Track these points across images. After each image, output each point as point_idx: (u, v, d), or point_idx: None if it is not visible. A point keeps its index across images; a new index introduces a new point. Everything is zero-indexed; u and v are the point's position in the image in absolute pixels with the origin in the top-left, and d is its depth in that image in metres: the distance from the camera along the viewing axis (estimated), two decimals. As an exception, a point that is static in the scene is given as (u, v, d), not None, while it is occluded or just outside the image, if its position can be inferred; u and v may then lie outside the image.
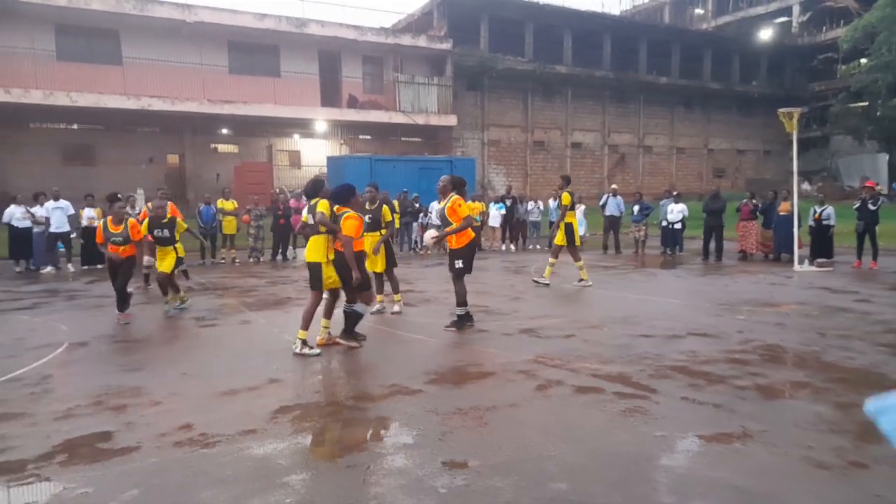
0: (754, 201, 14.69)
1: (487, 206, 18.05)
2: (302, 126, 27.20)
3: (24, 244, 13.37)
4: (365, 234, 6.97)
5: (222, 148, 27.08)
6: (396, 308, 8.41)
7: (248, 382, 5.28)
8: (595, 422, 4.36)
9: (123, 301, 7.94)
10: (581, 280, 10.75)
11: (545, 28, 32.45)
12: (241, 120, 25.33)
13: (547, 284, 10.65)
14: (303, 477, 3.55)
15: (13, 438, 4.11)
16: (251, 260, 15.30)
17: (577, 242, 10.88)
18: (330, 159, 25.85)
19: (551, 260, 10.91)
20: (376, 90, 28.65)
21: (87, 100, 21.77)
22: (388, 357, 6.27)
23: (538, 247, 18.16)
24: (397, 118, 27.35)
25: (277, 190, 21.08)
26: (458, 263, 7.27)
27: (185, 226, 9.03)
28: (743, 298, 9.29)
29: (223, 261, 14.76)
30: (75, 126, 24.42)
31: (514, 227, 18.15)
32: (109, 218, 8.02)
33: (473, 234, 7.48)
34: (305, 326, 6.29)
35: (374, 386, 5.17)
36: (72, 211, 13.69)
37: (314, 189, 6.66)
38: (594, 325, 7.48)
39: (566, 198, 10.55)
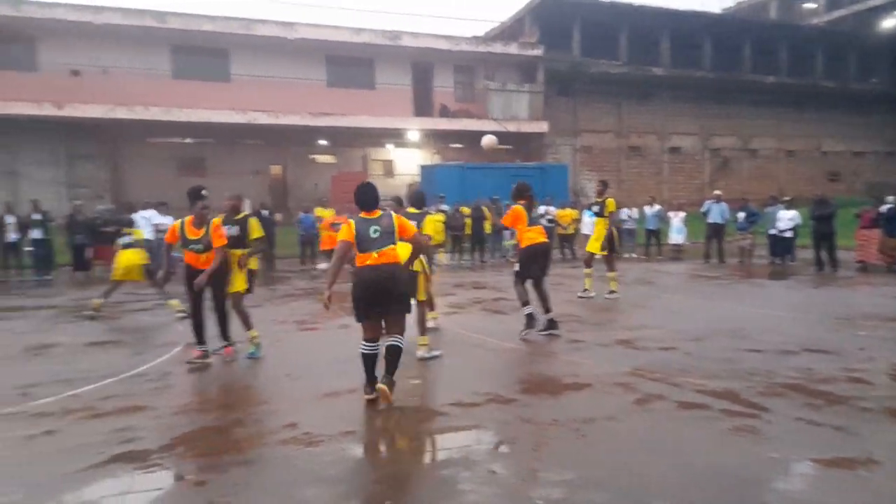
0: (890, 206, 13.25)
1: (580, 213, 17.72)
2: (395, 136, 27.85)
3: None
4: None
5: (320, 158, 28.17)
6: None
7: (348, 385, 5.43)
8: (700, 440, 4.16)
9: (223, 329, 6.50)
10: (612, 292, 10.22)
11: (640, 30, 31.56)
12: (338, 131, 26.26)
13: (591, 296, 10.14)
14: (401, 479, 3.62)
15: (139, 429, 4.44)
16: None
17: (605, 252, 10.15)
18: (422, 168, 26.31)
19: (612, 274, 10.32)
20: (467, 98, 28.89)
21: (199, 115, 23.30)
22: (482, 365, 6.27)
23: (633, 255, 17.63)
24: (488, 126, 27.37)
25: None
26: (516, 266, 7.61)
27: (261, 233, 7.06)
28: (864, 312, 8.59)
29: (321, 267, 15.32)
30: (189, 140, 26.18)
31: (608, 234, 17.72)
32: (189, 219, 6.35)
33: (538, 240, 7.47)
34: (423, 332, 6.46)
35: (468, 393, 5.18)
36: (157, 220, 14.07)
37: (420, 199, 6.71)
38: (697, 338, 7.16)
39: (612, 203, 10.12)
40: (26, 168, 22.84)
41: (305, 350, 7.10)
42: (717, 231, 15.62)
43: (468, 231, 16.31)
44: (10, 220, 13.94)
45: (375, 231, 4.88)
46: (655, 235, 17.59)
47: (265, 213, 15.35)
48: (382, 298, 4.86)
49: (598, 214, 10.29)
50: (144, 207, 14.08)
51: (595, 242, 10.28)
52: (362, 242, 4.87)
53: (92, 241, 13.89)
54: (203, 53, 25.17)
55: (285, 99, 24.62)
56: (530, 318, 7.29)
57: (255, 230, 6.85)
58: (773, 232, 15.03)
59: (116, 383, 5.65)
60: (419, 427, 4.49)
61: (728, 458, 3.83)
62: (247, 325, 6.65)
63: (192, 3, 38.15)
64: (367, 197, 5.08)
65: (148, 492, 3.60)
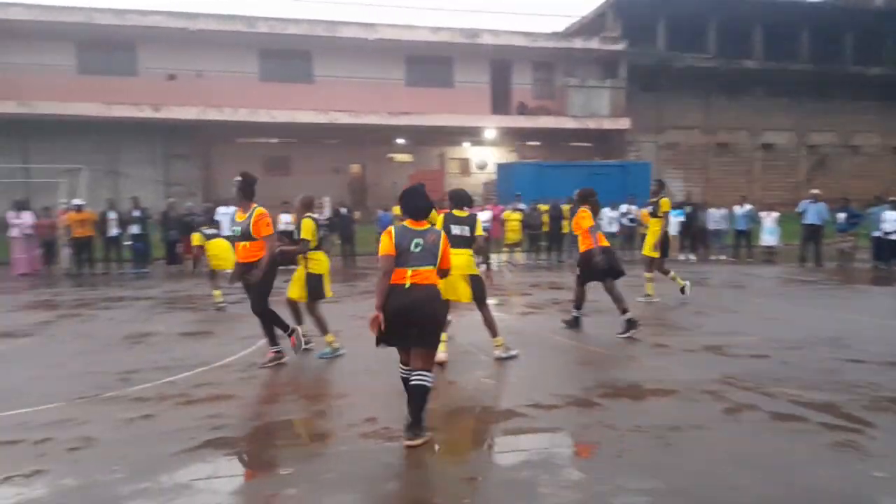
0: None
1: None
2: (472, 134, 27.87)
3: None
4: None
5: (398, 157, 28.58)
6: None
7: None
8: (797, 454, 3.91)
9: (269, 331, 6.20)
10: (647, 295, 9.76)
11: (731, 22, 30.12)
12: (416, 130, 26.55)
13: (654, 301, 9.71)
14: (480, 478, 3.59)
15: (228, 417, 4.63)
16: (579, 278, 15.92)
17: (657, 254, 9.75)
18: (499, 166, 26.21)
19: (647, 275, 9.92)
20: (546, 95, 28.53)
21: (283, 116, 24.16)
22: (563, 367, 6.16)
23: (722, 257, 16.88)
24: (567, 123, 27.01)
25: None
26: (577, 270, 7.98)
27: (309, 236, 6.46)
28: (983, 323, 7.85)
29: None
30: (274, 140, 27.20)
31: (695, 235, 17.03)
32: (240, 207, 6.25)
33: (594, 244, 7.61)
34: (495, 333, 6.39)
35: (547, 395, 5.09)
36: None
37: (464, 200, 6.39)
38: (792, 346, 6.74)
39: (667, 203, 9.65)
40: (126, 167, 24.40)
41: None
42: (813, 233, 14.71)
43: (545, 230, 16.12)
44: (112, 216, 14.92)
45: (417, 245, 4.15)
46: (746, 237, 16.77)
47: (344, 211, 15.72)
48: (410, 327, 4.11)
49: (653, 215, 9.90)
50: (226, 204, 14.79)
51: (649, 244, 9.89)
52: (400, 255, 4.15)
53: (181, 236, 14.73)
54: (288, 56, 26.06)
55: (365, 99, 25.13)
56: (575, 320, 7.81)
57: (303, 231, 6.47)
58: (877, 234, 14.01)
59: (207, 372, 5.92)
60: (497, 427, 4.45)
61: (827, 475, 3.58)
62: (322, 329, 6.53)
63: (279, 8, 39.55)
64: (416, 203, 4.32)
65: (234, 477, 3.74)
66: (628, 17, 28.56)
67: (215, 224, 13.27)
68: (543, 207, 16.08)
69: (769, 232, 16.41)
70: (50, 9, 22.60)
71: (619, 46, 27.67)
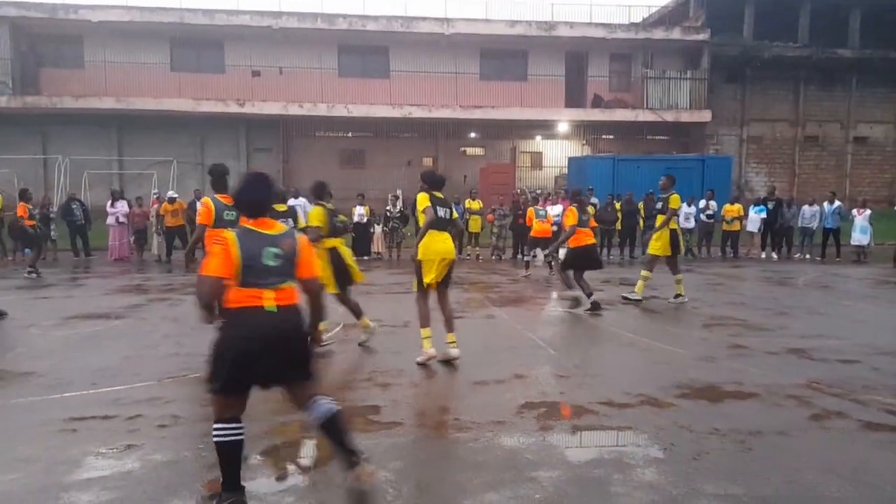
0: None
1: (746, 210, 16.41)
2: (545, 127, 27.53)
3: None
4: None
5: (470, 151, 28.61)
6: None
7: (496, 375, 5.48)
8: (888, 466, 3.68)
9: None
10: (678, 296, 9.27)
11: (825, 8, 28.35)
12: (489, 123, 26.48)
13: (639, 301, 9.26)
14: (550, 475, 3.58)
15: (304, 402, 4.80)
16: (493, 257, 15.93)
17: (682, 252, 9.83)
18: (571, 160, 25.81)
19: (678, 277, 9.40)
20: (622, 88, 27.82)
21: (360, 111, 24.67)
22: (635, 365, 6.03)
23: (807, 256, 16.02)
24: (644, 116, 26.25)
25: (518, 191, 21.67)
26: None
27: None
28: None
29: (468, 257, 15.59)
30: (350, 134, 27.80)
31: (778, 232, 16.22)
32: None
33: (584, 241, 8.66)
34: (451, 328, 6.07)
35: (619, 393, 5.00)
36: (309, 207, 15.07)
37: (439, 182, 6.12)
38: (885, 352, 6.33)
39: (676, 200, 9.18)
40: (212, 160, 25.29)
41: (454, 338, 7.24)
42: (912, 232, 13.71)
43: (618, 226, 15.76)
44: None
45: (277, 256, 3.07)
46: (835, 235, 15.83)
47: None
48: (276, 362, 3.07)
49: (661, 212, 9.49)
50: (295, 196, 15.34)
51: (655, 243, 9.43)
52: (250, 271, 3.02)
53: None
54: (366, 52, 26.55)
55: (439, 93, 25.29)
56: (575, 300, 8.55)
57: (312, 218, 6.40)
58: None
59: (285, 357, 6.14)
60: (568, 423, 4.41)
61: (927, 492, 3.35)
62: (356, 314, 6.55)
63: (357, 4, 40.24)
64: (254, 195, 3.18)
65: (314, 455, 3.88)
66: (713, 6, 27.41)
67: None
68: (617, 204, 15.71)
69: (860, 230, 15.42)
70: (146, 10, 23.95)
71: (703, 36, 26.61)
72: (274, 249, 3.07)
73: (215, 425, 3.09)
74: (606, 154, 25.19)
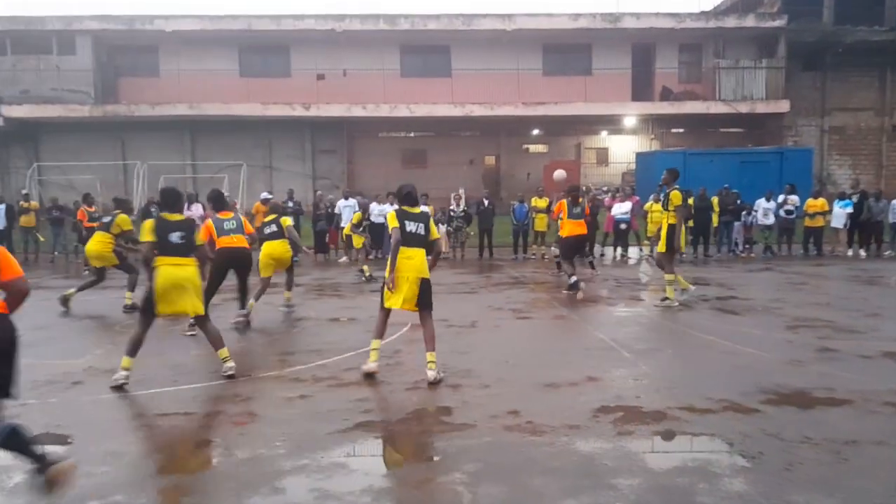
0: None
1: (831, 205, 15.51)
2: (610, 123, 26.92)
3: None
4: None
5: (533, 148, 28.30)
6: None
7: (568, 377, 5.35)
8: None
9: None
10: (665, 299, 8.69)
11: (914, -14, 26.56)
12: (552, 120, 26.10)
13: (678, 305, 8.69)
14: (630, 482, 3.44)
15: (376, 402, 4.83)
16: (561, 256, 15.65)
17: (683, 249, 9.79)
18: (639, 155, 25.13)
19: (670, 277, 8.83)
20: (693, 79, 26.87)
21: (422, 110, 24.78)
22: (714, 368, 5.76)
23: (891, 252, 15.01)
24: (716, 108, 25.24)
25: (584, 188, 21.24)
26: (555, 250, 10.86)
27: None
28: None
29: (533, 256, 15.40)
30: (412, 134, 27.99)
31: (865, 228, 15.25)
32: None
33: (575, 231, 9.65)
34: (432, 348, 5.46)
35: (699, 398, 4.78)
36: (378, 209, 15.12)
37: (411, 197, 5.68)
38: None
39: (677, 196, 8.65)
40: (279, 162, 26.26)
41: (523, 338, 7.15)
42: None
43: (690, 223, 15.14)
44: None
45: None
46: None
47: (486, 203, 15.78)
48: None
49: (664, 208, 9.09)
50: (346, 197, 15.56)
51: (663, 242, 8.91)
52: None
53: (328, 226, 15.65)
54: (427, 51, 26.67)
55: (501, 90, 25.10)
56: (574, 284, 9.39)
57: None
58: None
59: (355, 357, 6.20)
60: (647, 429, 4.24)
61: None
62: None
63: (418, 4, 40.60)
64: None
65: (384, 464, 3.88)
66: (789, -10, 26.11)
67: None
68: (689, 201, 15.06)
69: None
70: (216, 18, 24.83)
71: (779, 22, 25.36)
72: None
73: None
74: (676, 148, 24.39)
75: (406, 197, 5.58)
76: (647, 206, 15.07)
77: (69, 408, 4.79)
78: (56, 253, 16.23)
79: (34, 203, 16.81)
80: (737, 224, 15.41)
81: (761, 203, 15.25)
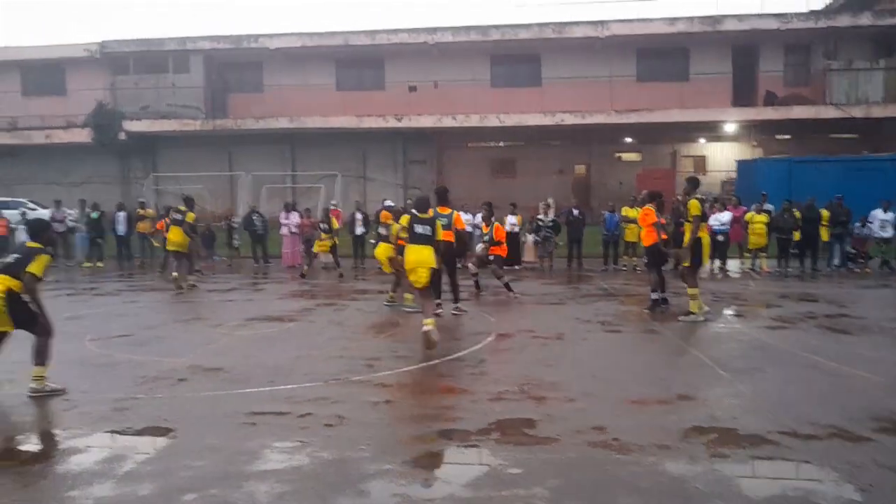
0: None
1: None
2: (708, 129, 25.80)
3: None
4: None
5: (625, 156, 27.58)
6: None
7: (658, 395, 5.16)
8: None
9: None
10: (690, 314, 8.34)
11: None
12: (645, 127, 25.35)
13: (703, 319, 8.31)
14: (724, 509, 3.26)
15: (460, 410, 4.84)
16: (647, 267, 15.11)
17: (706, 262, 9.52)
18: (740, 163, 23.92)
19: (693, 291, 8.41)
20: (800, 82, 25.31)
21: (511, 119, 24.75)
22: (820, 391, 5.37)
23: None
24: (826, 112, 23.62)
25: (679, 197, 20.43)
26: (644, 260, 9.85)
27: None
28: None
29: (624, 267, 14.97)
30: (501, 143, 28.01)
31: None
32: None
33: (656, 238, 8.98)
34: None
35: (803, 422, 4.47)
36: (466, 216, 15.18)
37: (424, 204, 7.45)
38: None
39: (695, 206, 8.22)
40: (372, 172, 27.02)
41: (611, 352, 6.96)
42: None
43: (797, 237, 14.22)
44: (359, 216, 16.61)
45: None
46: None
47: (575, 212, 15.54)
48: None
49: (684, 219, 8.71)
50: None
51: (684, 253, 8.49)
52: None
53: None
54: (518, 61, 26.69)
55: (592, 98, 24.71)
56: (656, 304, 9.05)
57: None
58: None
59: (440, 365, 6.26)
60: (744, 452, 4.00)
61: None
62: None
63: (508, 14, 40.71)
64: None
65: (470, 465, 3.88)
66: (912, -16, 24.12)
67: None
68: (797, 213, 14.10)
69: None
70: (315, 35, 25.96)
71: (899, 19, 23.48)
72: None
73: None
74: (781, 156, 23.04)
75: (419, 205, 7.35)
76: (747, 216, 14.31)
77: (174, 403, 5.13)
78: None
79: (150, 211, 18.18)
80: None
81: (877, 214, 14.13)
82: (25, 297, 5.35)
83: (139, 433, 4.46)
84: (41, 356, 5.36)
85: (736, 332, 8.00)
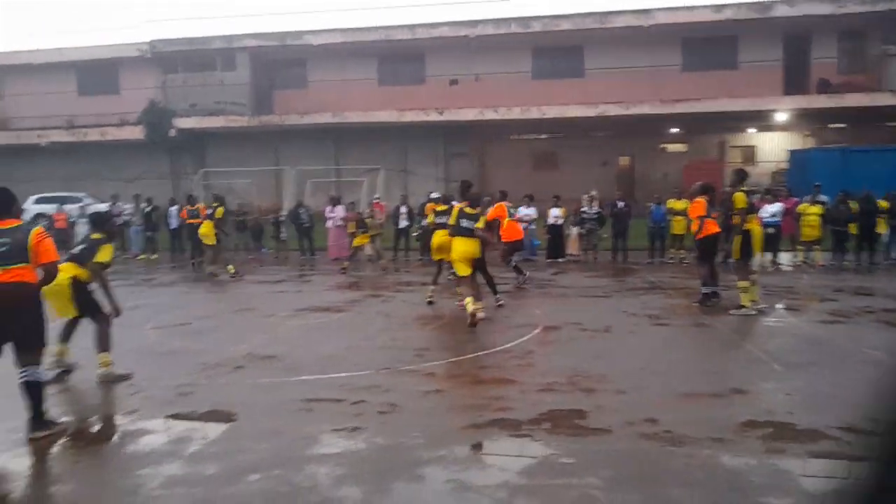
0: None
1: None
2: (758, 119, 25.09)
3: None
4: None
5: (671, 147, 27.07)
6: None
7: (710, 388, 5.11)
8: None
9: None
10: (741, 307, 8.24)
11: None
12: (692, 117, 24.81)
13: (755, 313, 8.23)
14: (782, 502, 3.24)
15: (510, 400, 4.89)
16: (697, 260, 14.84)
17: (757, 253, 9.24)
18: (792, 153, 23.23)
19: (743, 284, 8.37)
20: (855, 69, 24.38)
21: (553, 112, 24.54)
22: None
23: None
24: (883, 100, 22.70)
25: (728, 189, 19.97)
26: (696, 252, 9.59)
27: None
28: None
29: (671, 260, 14.74)
30: (543, 136, 27.80)
31: None
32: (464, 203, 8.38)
33: (713, 230, 8.84)
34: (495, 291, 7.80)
35: (864, 419, 4.37)
36: (523, 211, 15.27)
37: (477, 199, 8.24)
38: None
39: (740, 199, 8.21)
40: (413, 166, 27.17)
41: (660, 345, 6.90)
42: None
43: (853, 230, 13.75)
44: (404, 209, 16.75)
45: (3, 244, 4.29)
46: None
47: (620, 204, 15.36)
48: (5, 325, 4.25)
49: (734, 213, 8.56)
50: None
51: (736, 248, 8.46)
52: None
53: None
54: (560, 53, 26.41)
55: (636, 88, 24.31)
56: (707, 297, 8.87)
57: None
58: None
59: (488, 356, 6.33)
60: (801, 447, 3.95)
61: None
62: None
63: (550, 5, 40.27)
64: None
65: (520, 458, 3.93)
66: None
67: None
68: (853, 205, 13.63)
69: None
70: (357, 30, 26.20)
71: (964, 0, 22.40)
72: (3, 239, 4.27)
73: None
74: (834, 145, 22.28)
75: (472, 200, 8.06)
76: (800, 207, 13.92)
77: (233, 389, 5.32)
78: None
79: (201, 206, 18.70)
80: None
81: (938, 207, 13.54)
82: (90, 286, 5.67)
83: (202, 417, 4.65)
84: (103, 343, 5.70)
85: (790, 326, 7.84)
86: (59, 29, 66.87)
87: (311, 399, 4.96)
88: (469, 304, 7.38)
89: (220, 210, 13.59)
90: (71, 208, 19.67)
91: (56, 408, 4.92)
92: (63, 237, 16.26)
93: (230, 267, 13.09)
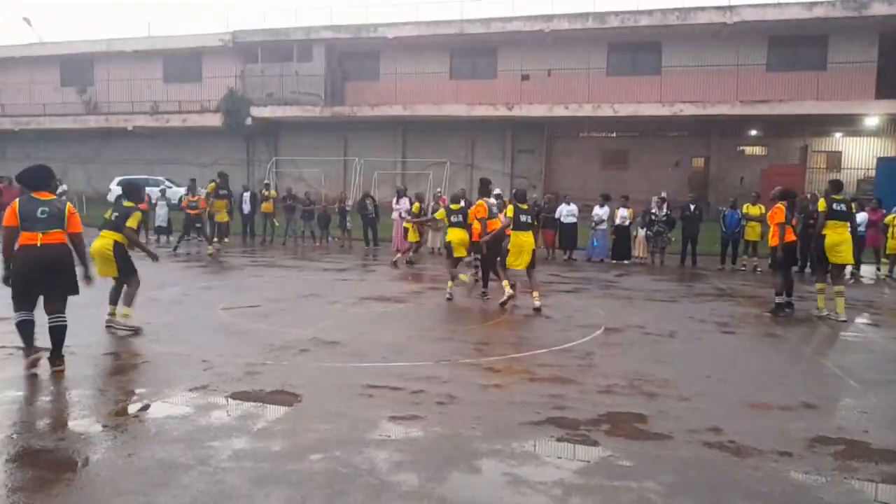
0: None
1: None
2: (846, 123, 23.78)
3: (570, 236, 15.69)
4: None
5: (749, 150, 26.01)
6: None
7: (780, 400, 4.92)
8: None
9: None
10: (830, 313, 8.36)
11: None
12: (774, 120, 23.77)
13: (844, 320, 8.17)
14: (853, 524, 3.10)
15: (568, 399, 4.86)
16: (772, 268, 14.23)
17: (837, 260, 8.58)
18: (881, 160, 21.92)
19: (837, 288, 8.44)
20: (958, 72, 22.73)
21: (626, 109, 24.01)
22: (970, 412, 4.90)
23: None
24: None
25: (809, 195, 19.05)
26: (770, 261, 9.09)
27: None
28: None
29: (744, 268, 14.19)
30: (614, 134, 27.23)
31: None
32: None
33: (790, 238, 8.69)
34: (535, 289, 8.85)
35: (948, 443, 4.12)
36: (598, 211, 15.22)
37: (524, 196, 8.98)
38: None
39: (822, 204, 8.41)
40: (480, 161, 27.18)
41: (728, 353, 6.69)
42: None
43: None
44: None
45: (43, 213, 5.13)
46: None
47: (692, 207, 14.90)
48: (46, 278, 5.15)
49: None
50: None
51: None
52: (26, 222, 5.08)
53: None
54: (637, 49, 25.84)
55: (715, 87, 23.53)
56: (779, 307, 8.61)
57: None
58: None
59: (548, 354, 6.29)
60: (876, 468, 3.76)
61: None
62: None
63: (628, 1, 39.25)
64: (34, 178, 5.33)
65: (576, 458, 3.91)
66: None
67: None
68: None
69: None
70: (431, 24, 26.37)
71: None
72: (43, 208, 5.14)
73: (15, 314, 5.17)
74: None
75: (520, 196, 8.94)
76: (888, 218, 13.15)
77: (298, 371, 5.51)
78: (287, 236, 18.54)
79: (273, 192, 19.33)
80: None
81: None
82: (129, 252, 6.80)
83: (269, 396, 4.84)
84: (129, 300, 6.81)
85: (869, 341, 7.44)
86: (146, 19, 70.25)
87: (371, 385, 5.08)
88: (506, 287, 8.60)
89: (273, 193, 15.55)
90: (152, 191, 20.68)
91: (133, 380, 5.24)
92: (145, 218, 17.15)
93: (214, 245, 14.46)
